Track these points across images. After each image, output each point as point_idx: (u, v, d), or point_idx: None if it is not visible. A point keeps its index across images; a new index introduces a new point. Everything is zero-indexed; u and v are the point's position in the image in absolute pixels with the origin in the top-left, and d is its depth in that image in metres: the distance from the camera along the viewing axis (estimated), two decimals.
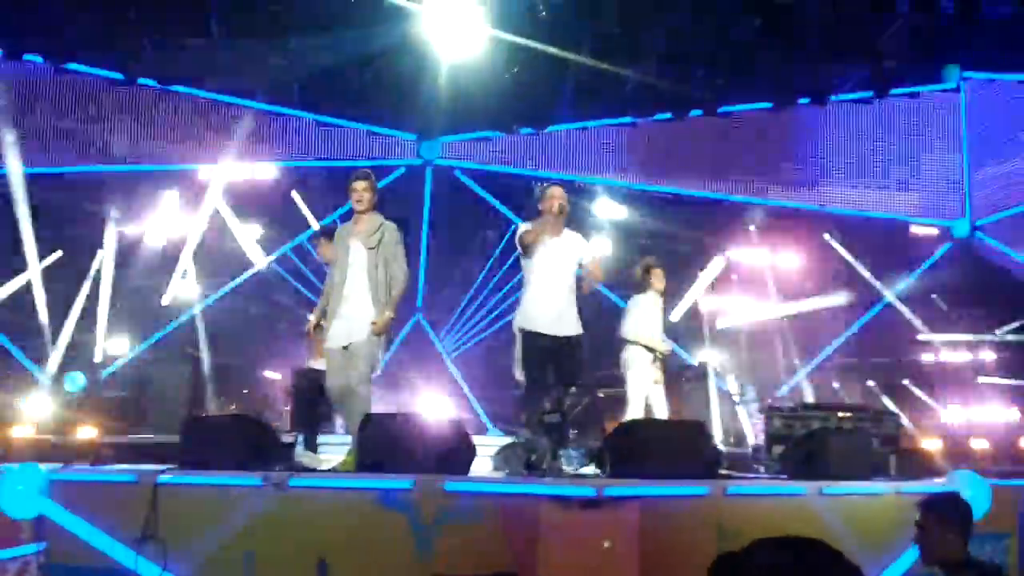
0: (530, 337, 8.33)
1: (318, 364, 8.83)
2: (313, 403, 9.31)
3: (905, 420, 12.71)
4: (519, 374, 8.32)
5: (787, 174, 17.28)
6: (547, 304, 8.36)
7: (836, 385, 16.96)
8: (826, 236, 17.71)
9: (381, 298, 8.02)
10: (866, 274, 17.39)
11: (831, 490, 7.04)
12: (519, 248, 8.61)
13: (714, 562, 2.71)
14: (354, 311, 8.03)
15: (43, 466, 7.59)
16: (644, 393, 10.33)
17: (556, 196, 8.53)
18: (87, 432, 11.49)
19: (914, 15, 15.42)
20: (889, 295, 17.40)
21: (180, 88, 15.55)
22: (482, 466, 7.99)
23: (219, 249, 16.72)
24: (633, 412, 10.10)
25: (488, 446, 8.96)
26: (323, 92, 15.91)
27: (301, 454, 8.89)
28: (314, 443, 9.25)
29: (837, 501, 6.96)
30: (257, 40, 14.23)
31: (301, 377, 11.95)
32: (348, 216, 8.25)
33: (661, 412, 10.34)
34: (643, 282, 10.92)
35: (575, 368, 8.31)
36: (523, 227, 8.64)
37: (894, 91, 17.09)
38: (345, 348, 7.99)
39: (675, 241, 16.68)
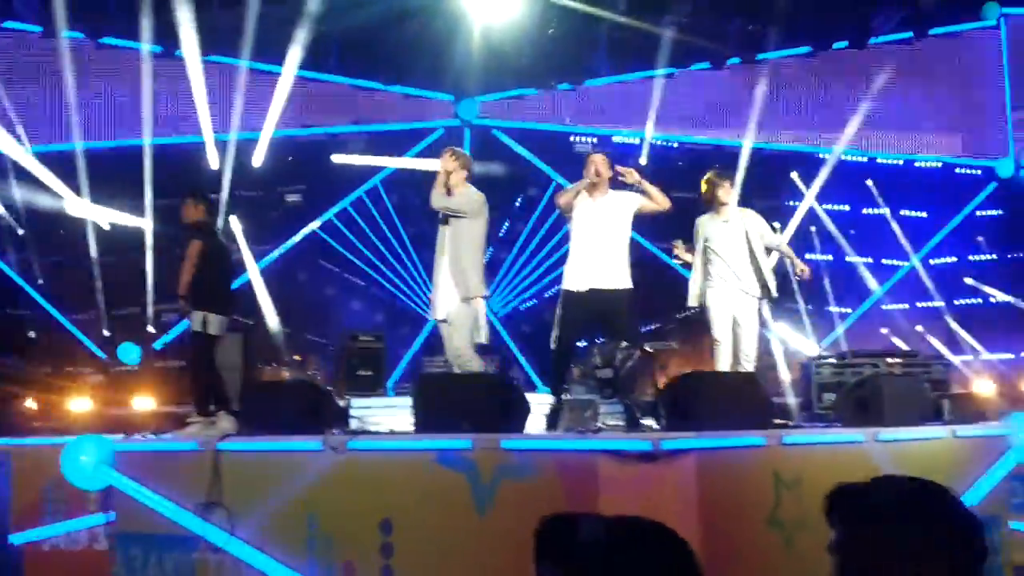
0: (568, 296, 8.49)
1: None
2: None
3: (956, 364, 12.62)
4: (553, 336, 8.46)
5: (827, 120, 17.10)
6: (586, 263, 8.48)
7: (884, 331, 16.87)
8: (868, 183, 17.55)
9: None
10: (895, 226, 17.20)
11: (887, 436, 7.04)
12: (557, 211, 8.78)
13: (833, 490, 2.67)
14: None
15: (107, 436, 7.75)
16: (726, 337, 8.96)
17: (594, 161, 8.65)
18: (145, 403, 11.70)
19: None
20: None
21: (217, 58, 15.57)
22: (534, 424, 8.05)
23: (264, 215, 16.83)
24: (720, 362, 8.97)
25: (539, 404, 9.02)
26: (360, 56, 15.89)
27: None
28: None
29: (893, 447, 6.95)
30: (292, 6, 14.19)
31: (349, 342, 12.11)
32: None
33: (748, 362, 8.96)
34: (710, 200, 9.26)
35: (622, 319, 8.40)
36: (560, 192, 8.82)
37: (933, 31, 16.86)
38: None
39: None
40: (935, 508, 2.51)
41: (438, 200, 8.60)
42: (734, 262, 9.00)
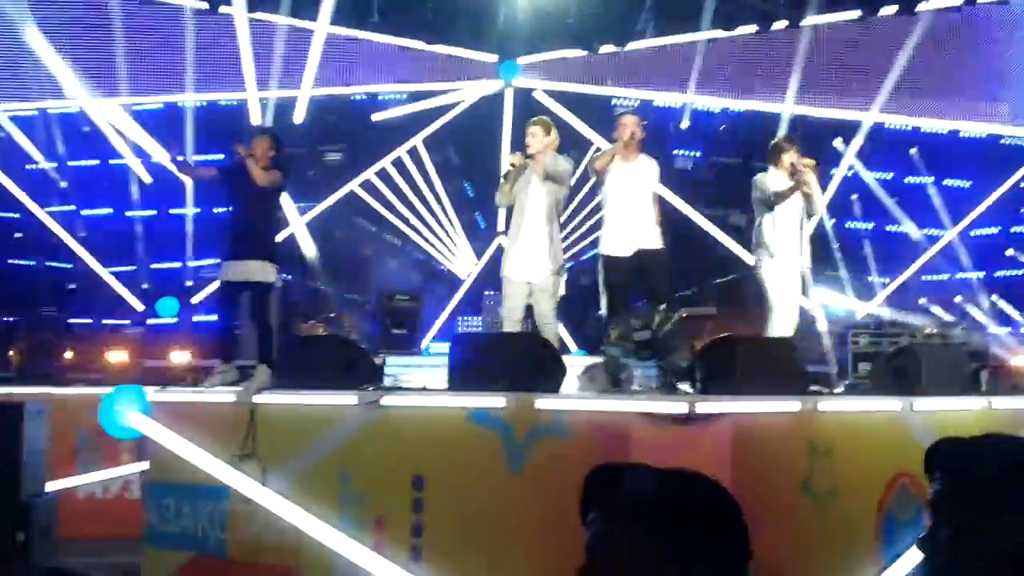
0: (610, 261, 8.52)
1: None
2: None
3: (995, 335, 12.48)
4: (602, 303, 8.49)
5: (873, 87, 16.86)
6: (623, 227, 8.52)
7: (922, 301, 16.72)
8: (912, 151, 17.34)
9: None
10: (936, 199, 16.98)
11: (923, 406, 6.98)
12: (592, 176, 8.79)
13: (936, 444, 2.62)
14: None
15: (144, 387, 7.82)
16: (783, 306, 8.87)
17: (627, 124, 8.61)
18: (182, 356, 11.80)
19: None
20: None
21: (261, 15, 15.57)
22: (569, 386, 8.04)
23: (303, 173, 16.87)
24: (774, 329, 8.84)
25: (574, 367, 9.00)
26: (402, 15, 15.82)
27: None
28: None
29: (929, 416, 6.90)
30: None
31: (385, 300, 12.12)
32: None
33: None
34: (776, 164, 9.14)
35: (660, 281, 8.48)
36: (595, 157, 8.85)
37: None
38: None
39: (757, 159, 16.43)
40: None
41: (555, 163, 8.46)
42: (793, 229, 8.95)
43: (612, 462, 2.22)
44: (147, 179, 15.09)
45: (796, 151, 9.09)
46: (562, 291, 8.61)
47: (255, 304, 8.97)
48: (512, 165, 8.58)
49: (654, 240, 8.53)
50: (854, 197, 17.13)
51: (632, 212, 8.52)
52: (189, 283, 15.46)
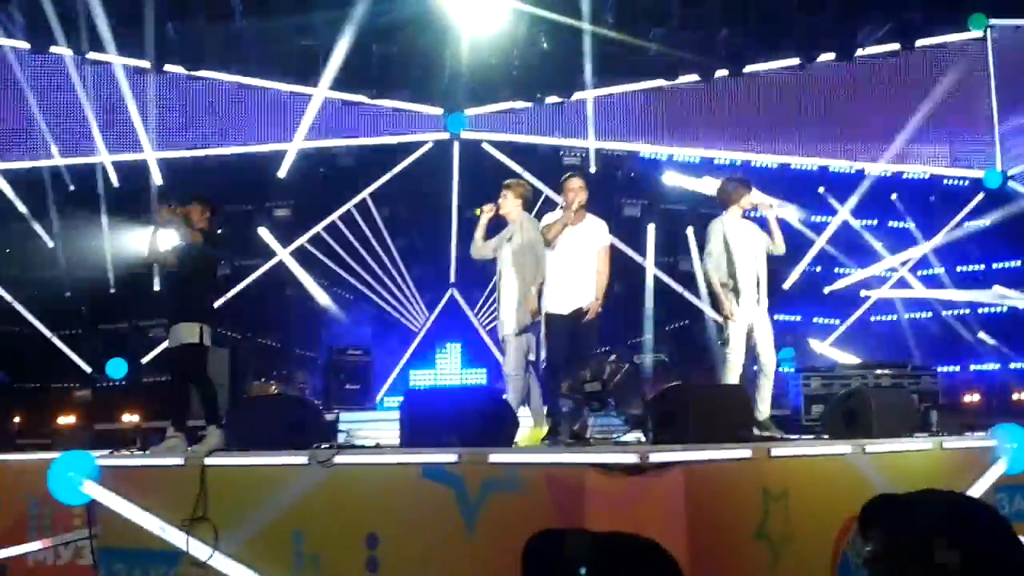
0: (549, 318, 8.74)
1: None
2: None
3: (943, 375, 12.61)
4: (543, 354, 8.82)
5: (814, 132, 17.14)
6: (564, 287, 8.75)
7: (873, 344, 16.91)
8: (819, 191, 17.57)
9: None
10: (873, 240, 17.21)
11: (875, 448, 7.03)
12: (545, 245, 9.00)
13: (872, 501, 2.63)
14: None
15: (93, 452, 7.71)
16: (740, 345, 8.97)
17: (572, 188, 8.83)
18: (132, 418, 11.64)
19: None
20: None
21: (206, 72, 15.58)
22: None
23: (247, 231, 16.84)
24: (730, 373, 8.96)
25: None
26: (348, 71, 15.87)
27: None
28: None
29: (881, 459, 6.95)
30: (281, 21, 14.22)
31: (337, 355, 12.08)
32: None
33: (765, 377, 8.99)
34: (726, 203, 9.31)
35: (588, 339, 8.62)
36: (544, 223, 9.01)
37: (920, 43, 16.90)
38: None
39: (705, 205, 16.61)
40: (977, 523, 2.48)
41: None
42: (751, 268, 9.09)
43: (551, 528, 2.23)
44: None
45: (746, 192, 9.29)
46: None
47: (187, 367, 9.03)
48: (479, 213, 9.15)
49: (588, 298, 8.70)
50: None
51: (573, 272, 8.74)
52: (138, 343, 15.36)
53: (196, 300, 9.16)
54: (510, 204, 9.18)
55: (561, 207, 8.94)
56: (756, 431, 8.08)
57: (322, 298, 16.78)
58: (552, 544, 2.20)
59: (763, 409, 8.81)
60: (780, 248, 9.22)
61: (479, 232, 9.39)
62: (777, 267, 9.92)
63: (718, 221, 9.27)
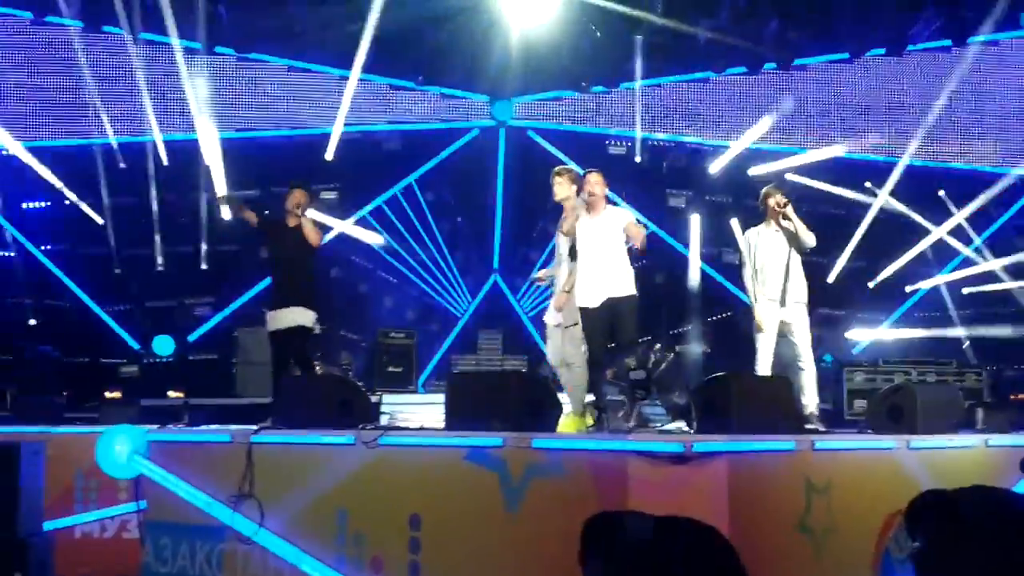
0: (583, 312, 8.77)
1: None
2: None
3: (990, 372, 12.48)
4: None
5: (863, 126, 17.00)
6: (591, 279, 8.77)
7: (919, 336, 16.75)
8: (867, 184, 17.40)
9: None
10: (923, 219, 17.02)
11: (919, 444, 7.01)
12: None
13: (919, 498, 2.62)
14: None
15: (141, 427, 7.83)
16: (768, 348, 9.29)
17: (589, 183, 8.93)
18: (177, 395, 11.79)
19: None
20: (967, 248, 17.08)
21: (257, 56, 15.69)
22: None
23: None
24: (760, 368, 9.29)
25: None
26: (396, 55, 15.92)
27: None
28: None
29: (925, 455, 6.93)
30: (331, 6, 14.29)
31: (381, 338, 12.16)
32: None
33: (804, 371, 9.21)
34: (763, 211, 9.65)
35: (628, 328, 8.55)
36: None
37: (972, 39, 16.71)
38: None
39: (751, 195, 16.52)
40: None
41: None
42: (776, 276, 9.36)
43: (610, 510, 2.25)
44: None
45: (779, 193, 9.51)
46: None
47: (297, 348, 9.75)
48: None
49: (623, 288, 8.70)
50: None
51: (599, 264, 8.76)
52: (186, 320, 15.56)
53: (309, 285, 9.73)
54: (567, 189, 9.13)
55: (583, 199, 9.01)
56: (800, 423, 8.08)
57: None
58: (612, 525, 2.22)
59: (807, 403, 8.86)
60: (808, 240, 9.31)
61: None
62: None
63: (749, 232, 9.66)
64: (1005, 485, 7.10)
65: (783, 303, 9.25)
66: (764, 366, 9.24)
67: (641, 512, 2.21)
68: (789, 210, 9.35)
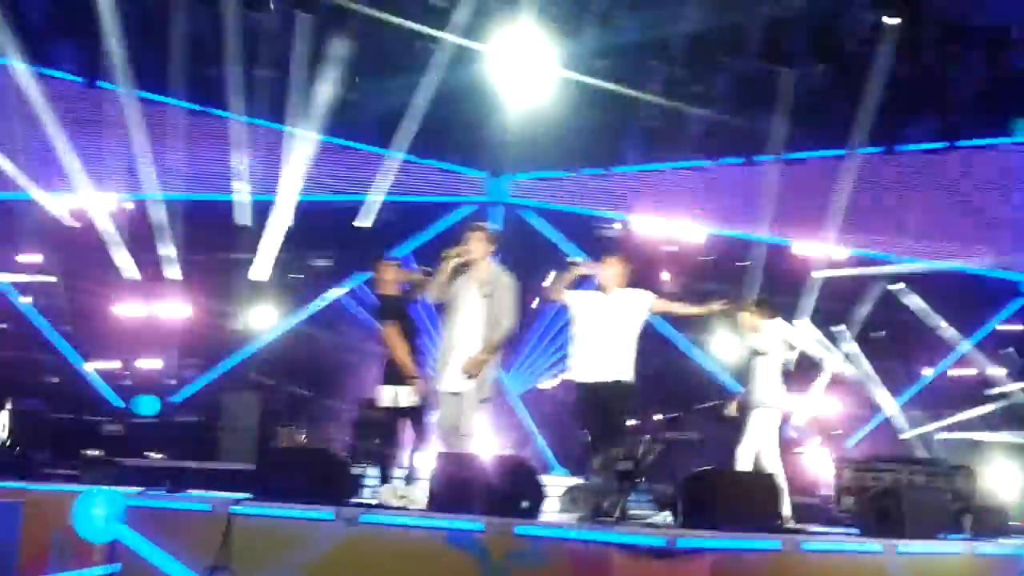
0: (570, 385, 8.84)
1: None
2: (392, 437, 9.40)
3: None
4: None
5: (854, 224, 17.08)
6: (581, 357, 8.69)
7: (903, 437, 16.69)
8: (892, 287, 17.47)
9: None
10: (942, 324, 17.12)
11: (905, 549, 6.96)
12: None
13: None
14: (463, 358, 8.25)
15: (120, 490, 7.73)
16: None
17: (468, 238, 8.58)
18: (160, 457, 11.68)
19: (984, 68, 15.39)
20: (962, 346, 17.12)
21: (257, 121, 15.76)
22: (549, 505, 8.00)
23: (288, 279, 16.95)
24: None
25: (554, 486, 8.98)
26: (395, 129, 16.00)
27: (383, 490, 8.87)
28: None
29: (912, 560, 6.89)
30: (332, 78, 14.42)
31: (367, 409, 12.05)
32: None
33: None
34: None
35: (616, 411, 8.44)
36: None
37: (962, 143, 16.92)
38: (455, 394, 8.23)
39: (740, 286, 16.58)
40: None
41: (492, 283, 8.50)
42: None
43: None
44: (135, 275, 15.15)
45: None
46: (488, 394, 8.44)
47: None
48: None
49: (621, 372, 8.53)
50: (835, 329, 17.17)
51: (593, 344, 8.62)
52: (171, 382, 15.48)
53: None
54: (482, 247, 8.51)
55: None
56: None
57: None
58: None
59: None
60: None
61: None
62: None
63: None
64: None
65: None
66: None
67: None
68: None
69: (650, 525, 7.00)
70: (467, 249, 8.46)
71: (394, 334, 9.08)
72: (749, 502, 6.95)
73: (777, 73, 15.25)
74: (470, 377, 8.18)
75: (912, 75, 15.34)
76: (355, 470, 9.38)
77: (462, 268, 8.47)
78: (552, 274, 9.37)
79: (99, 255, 15.19)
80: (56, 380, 15.76)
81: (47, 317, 15.86)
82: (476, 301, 8.37)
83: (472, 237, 8.54)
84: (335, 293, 17.19)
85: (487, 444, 8.55)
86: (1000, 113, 16.63)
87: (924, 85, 15.75)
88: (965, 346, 17.24)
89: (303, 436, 12.83)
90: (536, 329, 17.40)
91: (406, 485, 8.84)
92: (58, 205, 14.75)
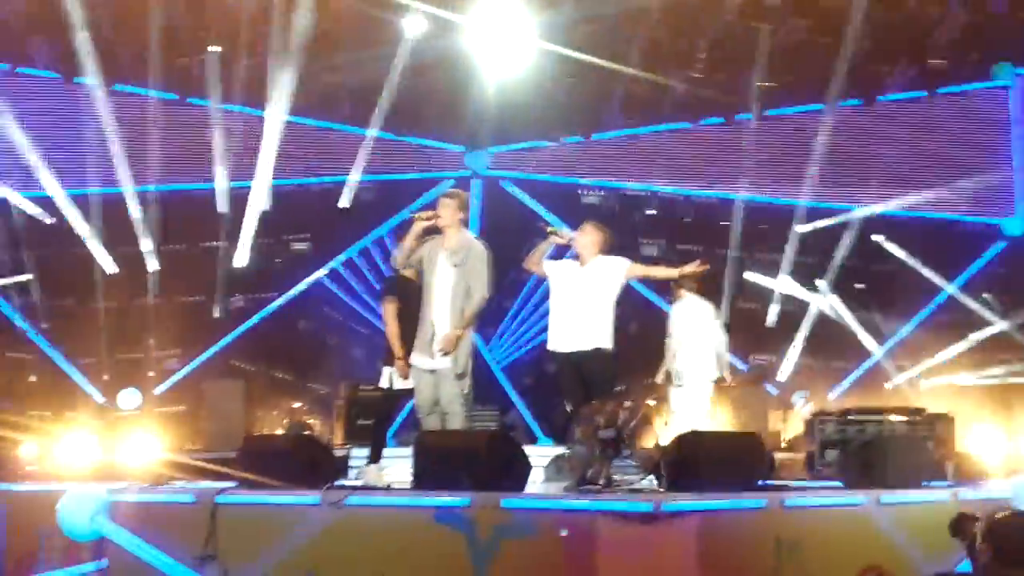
0: (550, 355, 8.79)
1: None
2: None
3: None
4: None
5: (836, 176, 17.08)
6: (559, 326, 8.70)
7: (888, 386, 16.73)
8: (875, 238, 17.47)
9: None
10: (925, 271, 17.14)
11: (889, 499, 6.99)
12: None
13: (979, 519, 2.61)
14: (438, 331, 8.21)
15: (103, 486, 7.70)
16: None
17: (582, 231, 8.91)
18: (144, 449, 11.60)
19: (964, 12, 15.33)
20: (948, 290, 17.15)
21: (229, 106, 15.65)
22: (534, 476, 8.00)
23: (268, 263, 16.88)
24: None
25: (539, 456, 8.98)
26: (371, 106, 15.89)
27: (367, 469, 8.86)
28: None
29: (896, 510, 6.93)
30: (308, 58, 14.28)
31: (353, 391, 12.04)
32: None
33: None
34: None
35: (597, 380, 8.42)
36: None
37: (943, 90, 16.90)
38: (432, 371, 8.23)
39: (723, 246, 16.57)
40: None
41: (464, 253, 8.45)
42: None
43: None
44: (111, 269, 15.06)
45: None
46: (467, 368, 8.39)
47: None
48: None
49: (599, 340, 8.52)
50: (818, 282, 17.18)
51: (570, 313, 8.63)
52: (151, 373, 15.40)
53: None
54: (450, 213, 8.40)
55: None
56: None
57: None
58: None
59: None
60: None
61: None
62: None
63: None
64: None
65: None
66: None
67: None
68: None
69: (635, 491, 6.99)
70: (436, 214, 8.38)
71: (390, 312, 9.03)
72: (732, 462, 6.96)
73: (756, 30, 15.23)
74: (446, 354, 8.14)
75: (891, 22, 15.30)
76: (339, 452, 9.38)
77: (432, 233, 8.38)
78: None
79: (76, 249, 15.12)
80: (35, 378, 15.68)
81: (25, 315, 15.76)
82: (447, 270, 8.31)
83: (442, 203, 8.48)
84: (315, 275, 17.11)
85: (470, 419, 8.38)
86: (982, 58, 16.65)
87: (902, 32, 15.71)
88: (950, 289, 17.23)
89: (285, 421, 12.81)
90: (516, 299, 17.40)
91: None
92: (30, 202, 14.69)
